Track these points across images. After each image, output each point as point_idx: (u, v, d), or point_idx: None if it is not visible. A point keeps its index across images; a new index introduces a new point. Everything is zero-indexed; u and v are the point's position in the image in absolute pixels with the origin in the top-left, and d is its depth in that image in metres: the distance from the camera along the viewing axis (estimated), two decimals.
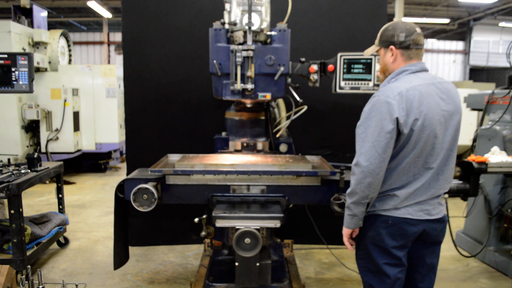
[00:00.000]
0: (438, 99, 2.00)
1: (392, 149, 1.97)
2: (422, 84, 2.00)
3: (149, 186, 2.51)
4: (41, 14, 8.02)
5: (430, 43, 22.44)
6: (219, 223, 2.37)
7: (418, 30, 2.07)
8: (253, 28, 2.75)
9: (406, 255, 2.10)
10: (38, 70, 7.50)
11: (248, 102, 3.05)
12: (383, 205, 2.05)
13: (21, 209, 3.27)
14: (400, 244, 2.05)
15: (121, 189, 2.71)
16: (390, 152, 1.96)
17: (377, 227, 2.07)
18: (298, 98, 3.18)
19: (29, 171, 3.58)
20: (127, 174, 3.68)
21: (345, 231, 2.15)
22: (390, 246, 2.04)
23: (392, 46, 2.09)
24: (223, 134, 3.35)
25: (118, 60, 20.18)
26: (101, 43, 21.37)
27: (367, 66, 3.07)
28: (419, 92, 1.96)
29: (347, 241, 2.18)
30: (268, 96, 2.89)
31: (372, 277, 2.12)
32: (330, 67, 3.15)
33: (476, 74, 21.85)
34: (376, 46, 2.18)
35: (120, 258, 2.95)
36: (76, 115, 7.64)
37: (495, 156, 3.45)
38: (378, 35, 2.16)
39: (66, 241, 4.46)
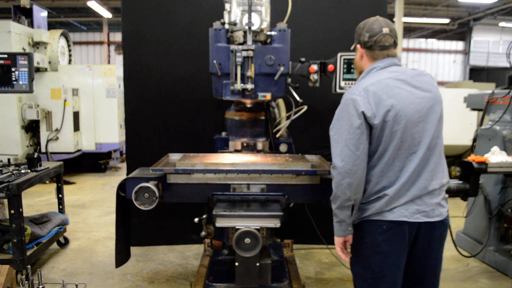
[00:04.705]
0: (410, 88, 1.96)
1: (366, 145, 1.92)
2: (389, 77, 1.98)
3: (151, 184, 2.53)
4: (41, 14, 8.02)
5: (430, 43, 22.47)
6: (219, 223, 2.37)
7: (385, 30, 2.03)
8: (253, 28, 2.75)
9: (404, 261, 2.02)
10: (38, 70, 7.50)
11: (248, 102, 3.05)
12: (375, 209, 1.97)
13: (21, 209, 3.27)
14: (399, 249, 1.98)
15: (123, 188, 2.72)
16: (364, 148, 1.92)
17: (372, 233, 1.99)
18: (298, 98, 3.18)
19: (29, 171, 3.58)
20: (127, 174, 3.68)
21: (337, 240, 2.09)
22: (388, 252, 1.97)
23: (358, 45, 2.12)
24: (223, 134, 3.35)
25: (118, 60, 20.18)
26: (101, 43, 21.39)
27: None
28: (386, 84, 1.94)
29: (340, 250, 2.11)
30: (268, 96, 2.89)
31: (367, 286, 2.05)
32: (330, 67, 3.15)
33: (476, 74, 21.86)
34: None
35: (122, 256, 2.96)
36: (76, 115, 7.64)
37: (495, 156, 3.45)
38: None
39: (66, 241, 4.46)
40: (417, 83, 1.99)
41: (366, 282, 2.06)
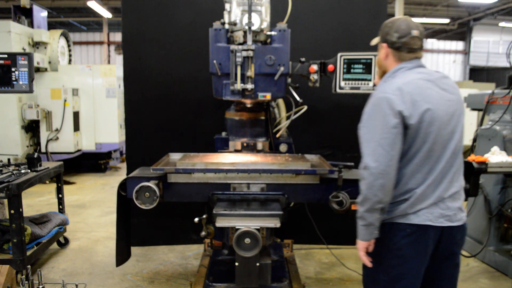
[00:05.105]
0: (439, 90, 1.95)
1: (400, 146, 1.87)
2: (419, 78, 1.95)
3: (151, 184, 2.53)
4: (41, 14, 8.03)
5: (430, 43, 22.45)
6: (220, 223, 2.37)
7: (415, 32, 1.98)
8: (253, 28, 2.75)
9: (425, 266, 1.98)
10: (38, 70, 7.50)
11: (248, 102, 3.05)
12: (400, 211, 1.93)
13: (21, 209, 3.27)
14: (420, 254, 1.94)
15: (124, 187, 2.73)
16: (398, 149, 1.87)
17: (394, 236, 1.94)
18: (298, 98, 3.18)
19: (29, 171, 3.57)
20: (127, 174, 3.68)
21: (361, 245, 1.99)
22: (409, 256, 1.92)
23: (385, 44, 2.06)
24: (223, 134, 3.35)
25: (118, 60, 20.18)
26: (101, 43, 21.38)
27: (367, 66, 3.06)
28: (418, 85, 1.92)
29: (364, 255, 2.01)
30: (268, 96, 2.89)
31: None
32: (330, 67, 3.15)
33: (476, 74, 21.86)
34: (378, 38, 2.14)
35: (122, 255, 2.97)
36: (76, 115, 7.64)
37: (495, 156, 3.45)
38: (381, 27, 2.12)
39: (66, 241, 4.46)
40: (444, 86, 1.98)
41: (379, 285, 2.02)
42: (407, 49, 2.00)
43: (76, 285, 2.95)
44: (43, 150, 7.36)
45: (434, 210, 1.92)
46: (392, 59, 2.05)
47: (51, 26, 10.53)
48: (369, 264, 2.01)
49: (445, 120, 1.92)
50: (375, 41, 2.19)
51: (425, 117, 1.87)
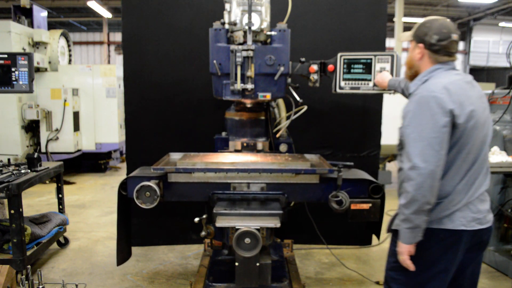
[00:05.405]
0: (476, 92, 1.94)
1: (448, 145, 1.84)
2: (460, 79, 1.94)
3: (152, 183, 2.54)
4: (41, 14, 8.03)
5: None
6: (220, 223, 2.37)
7: (455, 36, 1.96)
8: (253, 28, 2.74)
9: (454, 269, 1.96)
10: (38, 70, 7.50)
11: (248, 102, 3.05)
12: (434, 215, 1.90)
13: (21, 209, 3.27)
14: (451, 258, 1.92)
15: (124, 186, 2.74)
16: (446, 148, 1.83)
17: (427, 242, 1.90)
18: (298, 98, 3.18)
19: (29, 171, 3.58)
20: (127, 174, 3.68)
21: (405, 248, 1.92)
22: (440, 260, 1.91)
23: (421, 44, 2.00)
24: (223, 134, 3.35)
25: (118, 60, 20.20)
26: (101, 43, 21.39)
27: (367, 66, 3.06)
28: (460, 86, 1.90)
29: (408, 259, 1.93)
30: (268, 96, 2.89)
31: None
32: (330, 67, 3.15)
33: (476, 74, 21.81)
34: (411, 36, 2.08)
35: (123, 254, 2.98)
36: (76, 115, 7.64)
37: (495, 156, 3.45)
38: (416, 26, 2.07)
39: (66, 241, 4.46)
40: (477, 88, 1.98)
41: None
42: (446, 52, 1.98)
43: (76, 285, 2.95)
44: (43, 150, 7.36)
45: (467, 214, 1.90)
46: (428, 60, 2.02)
47: (51, 26, 10.54)
48: (412, 268, 1.94)
49: (482, 122, 1.92)
50: (405, 37, 2.15)
51: (470, 118, 1.85)
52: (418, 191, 1.82)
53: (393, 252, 2.03)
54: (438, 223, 1.91)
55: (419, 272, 1.94)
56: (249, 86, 2.82)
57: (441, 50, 1.97)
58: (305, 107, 3.27)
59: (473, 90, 1.95)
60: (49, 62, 7.82)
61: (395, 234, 2.03)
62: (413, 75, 2.10)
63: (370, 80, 3.07)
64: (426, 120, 1.83)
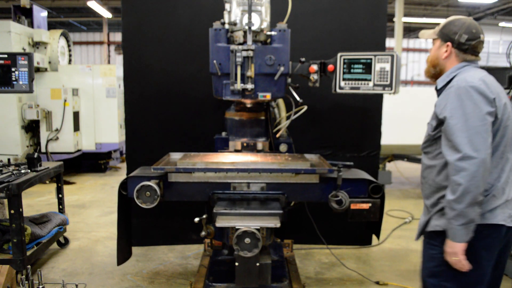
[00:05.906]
0: (502, 89, 1.95)
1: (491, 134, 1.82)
2: (485, 74, 1.94)
3: (152, 183, 2.54)
4: (41, 14, 8.03)
5: (430, 43, 22.43)
6: (220, 223, 2.37)
7: (483, 37, 1.99)
8: (253, 28, 2.75)
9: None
10: (38, 70, 7.50)
11: (248, 102, 3.05)
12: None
13: (21, 209, 3.27)
14: (493, 256, 1.88)
15: (124, 186, 2.75)
16: (491, 137, 1.80)
17: (470, 240, 1.84)
18: (298, 98, 3.18)
19: (29, 171, 3.58)
20: (127, 174, 3.68)
21: (460, 247, 1.82)
22: (485, 259, 1.86)
23: (449, 43, 2.01)
24: (223, 134, 3.36)
25: (118, 60, 20.21)
26: (101, 43, 21.41)
27: (367, 66, 3.06)
28: (493, 80, 1.92)
29: (465, 259, 1.84)
30: (268, 96, 2.89)
31: None
32: (330, 67, 3.15)
33: None
34: (435, 34, 2.09)
35: (123, 254, 2.98)
36: (76, 115, 7.64)
37: None
38: (441, 24, 2.07)
39: (66, 241, 4.46)
40: (500, 84, 1.99)
41: None
42: (473, 51, 2.00)
43: (76, 285, 2.95)
44: (43, 150, 7.36)
45: (506, 210, 1.88)
46: (455, 58, 2.02)
47: (51, 26, 10.54)
48: (468, 268, 1.86)
49: (511, 118, 1.92)
50: (428, 35, 2.15)
51: (505, 111, 1.86)
52: (471, 182, 1.74)
53: (431, 257, 1.97)
54: (480, 218, 1.84)
55: (467, 274, 1.86)
56: (249, 86, 2.82)
57: (469, 49, 1.99)
58: (305, 107, 3.27)
59: (500, 86, 1.96)
60: (49, 62, 7.82)
61: (431, 236, 1.98)
62: (436, 73, 2.10)
63: (370, 80, 3.07)
64: (471, 109, 1.80)
